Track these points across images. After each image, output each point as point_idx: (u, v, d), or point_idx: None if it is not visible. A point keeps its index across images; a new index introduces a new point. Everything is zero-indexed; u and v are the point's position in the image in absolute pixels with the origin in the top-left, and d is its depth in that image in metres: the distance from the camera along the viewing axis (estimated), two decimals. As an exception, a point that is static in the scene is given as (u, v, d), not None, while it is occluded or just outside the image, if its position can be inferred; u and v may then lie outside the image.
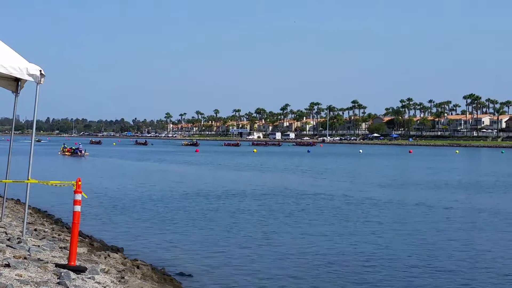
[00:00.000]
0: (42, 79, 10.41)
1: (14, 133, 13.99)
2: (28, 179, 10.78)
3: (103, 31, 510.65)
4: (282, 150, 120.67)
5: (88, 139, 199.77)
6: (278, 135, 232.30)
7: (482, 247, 16.54)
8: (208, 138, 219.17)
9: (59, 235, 14.10)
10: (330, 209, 24.42)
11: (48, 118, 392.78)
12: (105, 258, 11.87)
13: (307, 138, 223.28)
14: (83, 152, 76.55)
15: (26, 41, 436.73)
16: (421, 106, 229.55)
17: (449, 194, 31.25)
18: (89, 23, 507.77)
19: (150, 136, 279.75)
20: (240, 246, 16.13)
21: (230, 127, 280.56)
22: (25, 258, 9.47)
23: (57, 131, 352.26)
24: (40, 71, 10.32)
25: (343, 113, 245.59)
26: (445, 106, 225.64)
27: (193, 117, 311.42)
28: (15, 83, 11.45)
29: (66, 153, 78.10)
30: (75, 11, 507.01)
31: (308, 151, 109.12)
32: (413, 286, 12.29)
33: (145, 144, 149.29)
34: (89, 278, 9.00)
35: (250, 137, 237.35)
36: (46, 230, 14.71)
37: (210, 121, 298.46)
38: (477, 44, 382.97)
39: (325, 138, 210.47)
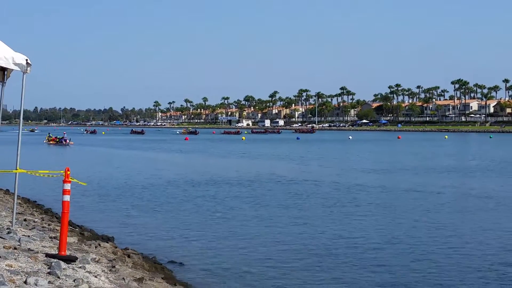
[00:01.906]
0: (29, 68, 10.32)
1: (1, 123, 13.89)
2: (16, 169, 10.72)
3: (90, 20, 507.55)
4: (281, 137, 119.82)
5: (77, 129, 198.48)
6: (267, 123, 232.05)
7: (476, 232, 16.66)
8: (197, 126, 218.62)
9: (49, 225, 14.05)
10: (321, 195, 24.48)
11: (36, 107, 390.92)
12: (95, 247, 11.85)
13: (297, 125, 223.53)
14: (68, 141, 78.19)
15: (12, 30, 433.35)
16: (410, 92, 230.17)
17: (444, 179, 31.44)
18: (75, 12, 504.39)
19: (139, 124, 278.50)
20: (231, 234, 16.16)
21: (219, 115, 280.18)
22: (15, 248, 9.43)
23: (45, 121, 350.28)
24: (26, 60, 10.23)
25: (331, 100, 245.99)
26: (433, 91, 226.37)
27: (181, 105, 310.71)
28: (1, 72, 11.34)
29: (51, 142, 79.06)
30: (64, 1, 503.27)
31: (298, 138, 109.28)
32: (409, 272, 12.37)
33: (142, 133, 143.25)
34: (80, 267, 8.98)
35: (239, 124, 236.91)
36: (36, 220, 14.66)
37: (198, 109, 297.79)
38: (464, 29, 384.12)
39: (313, 125, 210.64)
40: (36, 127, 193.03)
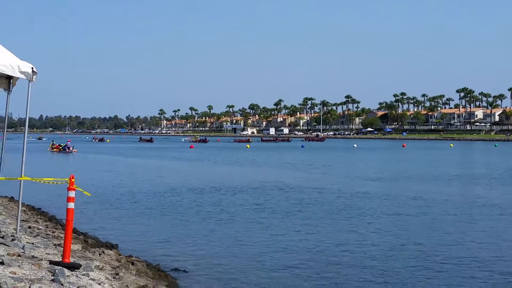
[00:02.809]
0: (34, 77, 10.38)
1: (7, 131, 13.95)
2: (21, 176, 10.76)
3: (96, 28, 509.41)
4: (287, 145, 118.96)
5: (82, 137, 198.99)
6: (272, 131, 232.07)
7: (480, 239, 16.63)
8: (202, 134, 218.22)
9: (53, 232, 14.09)
10: (325, 203, 24.42)
11: (41, 115, 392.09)
12: (99, 255, 11.87)
13: (302, 133, 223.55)
14: (71, 148, 78.93)
15: (18, 38, 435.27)
16: (415, 100, 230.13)
17: (449, 187, 31.38)
18: (81, 20, 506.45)
19: (144, 132, 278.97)
20: (236, 242, 16.14)
21: (224, 123, 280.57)
22: (19, 255, 9.46)
23: (51, 129, 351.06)
24: (32, 68, 10.29)
25: (336, 108, 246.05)
26: (439, 100, 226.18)
27: (186, 113, 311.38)
28: (7, 81, 11.40)
29: (55, 149, 79.77)
30: (68, 8, 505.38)
31: (302, 146, 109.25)
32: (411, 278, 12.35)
33: (150, 141, 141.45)
34: (84, 275, 9.01)
35: (244, 132, 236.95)
36: (40, 227, 14.70)
37: (203, 117, 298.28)
38: (470, 37, 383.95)
39: (318, 133, 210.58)
40: (42, 135, 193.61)
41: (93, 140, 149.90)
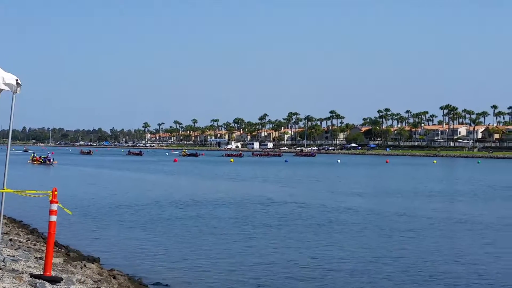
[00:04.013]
0: (19, 89, 10.37)
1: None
2: (3, 189, 10.70)
3: (79, 40, 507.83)
4: (279, 160, 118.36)
5: (65, 149, 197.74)
6: (256, 145, 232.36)
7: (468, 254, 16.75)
8: (187, 148, 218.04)
9: (34, 245, 14.00)
10: (306, 217, 24.48)
11: (24, 127, 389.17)
12: (81, 268, 11.81)
13: (285, 148, 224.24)
14: (51, 161, 79.41)
15: (2, 49, 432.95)
16: (399, 116, 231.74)
17: (431, 203, 31.57)
18: (64, 31, 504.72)
19: (128, 145, 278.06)
20: (218, 256, 16.11)
21: (208, 137, 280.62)
22: (0, 268, 9.39)
23: (33, 141, 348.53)
24: (17, 80, 10.28)
25: (321, 123, 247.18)
26: (422, 116, 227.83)
27: (171, 126, 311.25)
28: (-10, 92, 11.37)
29: (35, 162, 79.62)
30: (54, 19, 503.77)
31: (286, 161, 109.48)
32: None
33: (140, 154, 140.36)
34: (65, 288, 8.96)
35: (228, 146, 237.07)
36: (22, 240, 14.60)
37: (188, 131, 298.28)
38: (453, 54, 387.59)
39: (303, 148, 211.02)
40: (26, 147, 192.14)
41: (80, 153, 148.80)
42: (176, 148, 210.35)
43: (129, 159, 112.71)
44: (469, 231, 21.75)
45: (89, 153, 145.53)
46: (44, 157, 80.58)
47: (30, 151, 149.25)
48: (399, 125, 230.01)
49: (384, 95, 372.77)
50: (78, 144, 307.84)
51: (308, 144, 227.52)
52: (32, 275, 9.26)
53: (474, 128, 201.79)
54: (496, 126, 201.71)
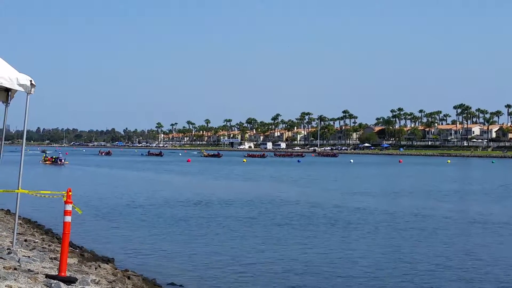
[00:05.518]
0: (33, 89, 10.38)
1: (4, 143, 13.92)
2: (18, 189, 10.73)
3: (94, 41, 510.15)
4: (306, 160, 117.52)
5: (79, 149, 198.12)
6: (269, 145, 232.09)
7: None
8: (199, 148, 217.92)
9: (49, 245, 14.02)
10: (319, 217, 24.40)
11: (38, 128, 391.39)
12: (95, 268, 11.81)
13: (298, 148, 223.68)
14: (63, 161, 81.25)
15: (16, 50, 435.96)
16: (412, 116, 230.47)
17: (445, 203, 31.38)
18: (80, 33, 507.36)
19: (141, 146, 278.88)
20: (233, 257, 16.08)
21: (221, 137, 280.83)
22: (15, 269, 9.41)
23: (48, 141, 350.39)
24: (31, 81, 10.29)
25: (334, 123, 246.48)
26: (436, 116, 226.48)
27: (184, 127, 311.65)
28: (5, 93, 11.40)
29: (47, 162, 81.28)
30: (67, 21, 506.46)
31: (298, 161, 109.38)
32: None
33: (160, 155, 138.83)
34: (80, 289, 8.95)
35: (241, 147, 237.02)
36: (37, 240, 14.64)
37: (201, 131, 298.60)
38: (467, 53, 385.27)
39: (316, 148, 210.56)
40: (42, 148, 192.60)
41: (99, 153, 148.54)
42: (189, 148, 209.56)
43: (150, 159, 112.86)
44: (484, 231, 21.57)
45: (108, 153, 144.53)
46: (55, 157, 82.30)
47: (48, 152, 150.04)
48: (412, 125, 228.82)
49: (397, 94, 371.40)
50: (91, 144, 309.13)
51: (321, 144, 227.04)
52: (47, 276, 9.27)
53: (488, 128, 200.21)
54: (510, 126, 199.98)
